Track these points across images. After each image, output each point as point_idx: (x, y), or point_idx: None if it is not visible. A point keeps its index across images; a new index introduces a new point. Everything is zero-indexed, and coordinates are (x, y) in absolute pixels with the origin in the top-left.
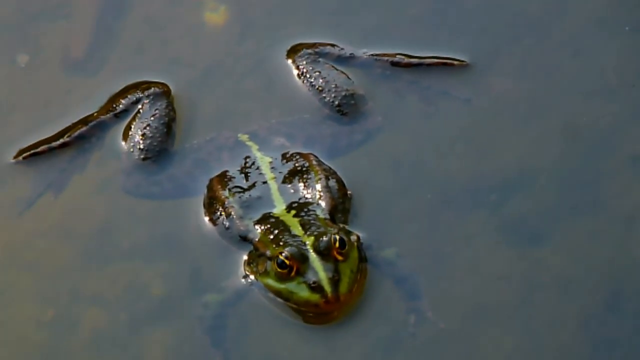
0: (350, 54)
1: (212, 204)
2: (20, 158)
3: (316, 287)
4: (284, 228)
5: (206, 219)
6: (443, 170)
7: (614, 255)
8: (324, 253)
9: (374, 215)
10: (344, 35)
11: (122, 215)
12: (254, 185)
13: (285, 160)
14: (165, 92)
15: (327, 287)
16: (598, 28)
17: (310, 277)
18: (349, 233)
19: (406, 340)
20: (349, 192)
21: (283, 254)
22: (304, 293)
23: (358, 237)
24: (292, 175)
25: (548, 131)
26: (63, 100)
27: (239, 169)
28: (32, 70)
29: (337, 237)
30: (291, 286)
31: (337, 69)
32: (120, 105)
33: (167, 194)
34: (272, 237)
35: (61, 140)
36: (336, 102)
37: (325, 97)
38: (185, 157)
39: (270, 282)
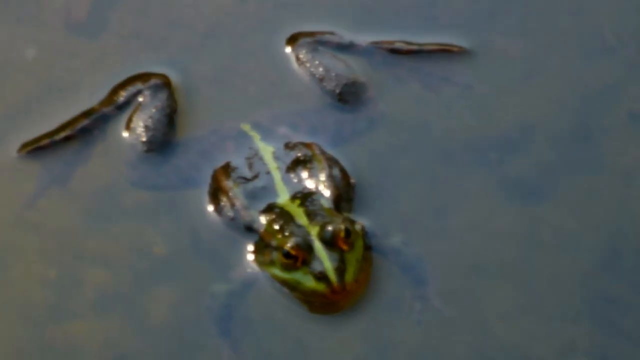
0: (350, 41)
1: (216, 195)
2: (24, 152)
3: (322, 277)
4: (289, 218)
5: (211, 209)
6: (444, 131)
7: (613, 212)
8: (329, 243)
9: (379, 203)
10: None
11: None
12: (257, 175)
13: (288, 150)
14: (166, 84)
15: (333, 277)
16: None
17: (316, 267)
18: (353, 222)
19: (411, 325)
20: (352, 180)
21: (289, 244)
22: (310, 283)
23: (363, 226)
24: (296, 165)
25: (547, 90)
26: (67, 64)
27: (243, 159)
28: (35, 34)
29: (342, 226)
30: (297, 276)
31: (337, 57)
32: (122, 98)
33: (174, 185)
34: (277, 227)
35: (64, 134)
36: (337, 91)
37: (326, 86)
38: (190, 148)
39: (277, 272)
